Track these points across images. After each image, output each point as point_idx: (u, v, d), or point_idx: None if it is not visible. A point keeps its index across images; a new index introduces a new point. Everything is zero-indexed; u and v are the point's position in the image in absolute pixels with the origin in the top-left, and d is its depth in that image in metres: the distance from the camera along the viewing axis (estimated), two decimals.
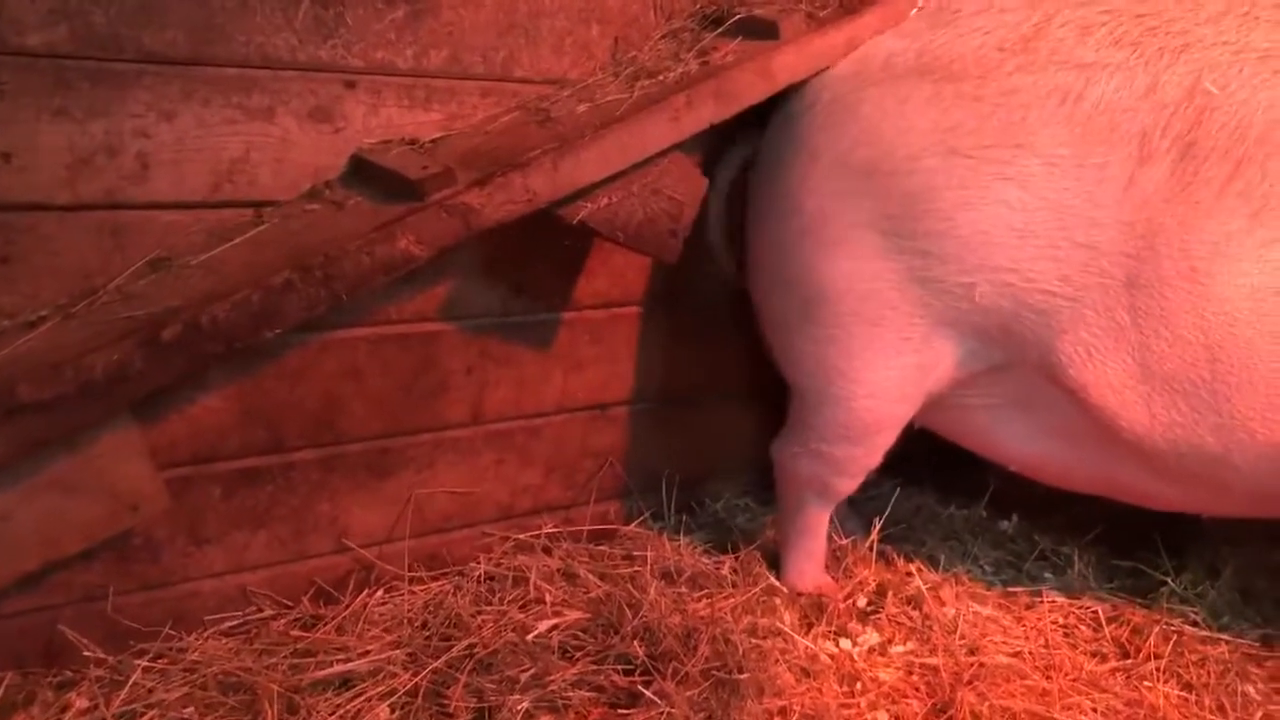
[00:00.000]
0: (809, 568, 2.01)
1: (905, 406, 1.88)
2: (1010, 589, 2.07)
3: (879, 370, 1.85)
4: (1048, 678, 1.82)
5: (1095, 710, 1.74)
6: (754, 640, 1.75)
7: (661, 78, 1.75)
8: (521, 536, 1.98)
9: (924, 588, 2.00)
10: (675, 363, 2.13)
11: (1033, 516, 2.29)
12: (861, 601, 2.01)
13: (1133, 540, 2.15)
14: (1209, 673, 1.86)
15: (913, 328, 1.80)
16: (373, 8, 1.62)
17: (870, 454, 1.95)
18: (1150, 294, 1.66)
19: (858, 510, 2.23)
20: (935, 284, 1.76)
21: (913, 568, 2.08)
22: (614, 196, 1.67)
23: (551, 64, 1.80)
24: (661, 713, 1.54)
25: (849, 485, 1.99)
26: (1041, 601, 2.02)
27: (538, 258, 1.87)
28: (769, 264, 1.92)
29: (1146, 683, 1.81)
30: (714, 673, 1.64)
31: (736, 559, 2.03)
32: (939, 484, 2.37)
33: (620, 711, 1.58)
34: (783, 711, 1.66)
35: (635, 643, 1.69)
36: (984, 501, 2.30)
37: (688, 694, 1.56)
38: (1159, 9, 1.75)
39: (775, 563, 2.04)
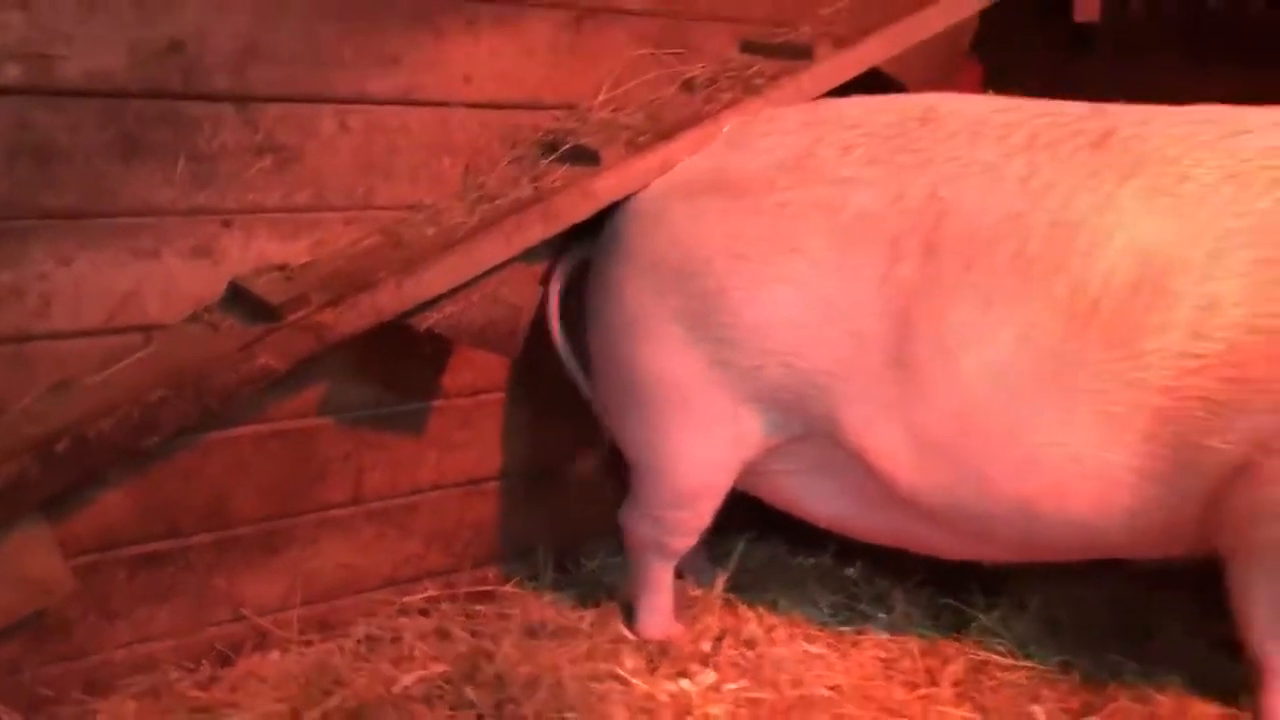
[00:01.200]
0: (656, 618, 2.28)
1: (723, 474, 2.16)
2: (842, 629, 2.33)
3: (695, 445, 2.13)
4: (860, 706, 2.08)
5: None
6: (592, 684, 2.02)
7: (499, 202, 2.05)
8: (404, 600, 2.25)
9: (761, 631, 2.27)
10: (543, 438, 2.42)
11: (876, 562, 2.56)
12: (706, 645, 2.27)
13: (955, 580, 2.42)
14: (1003, 697, 2.13)
15: (721, 406, 2.09)
16: (242, 160, 1.92)
17: (697, 516, 2.22)
18: (911, 372, 1.95)
19: (714, 562, 2.50)
20: (733, 368, 2.05)
21: (754, 613, 2.35)
22: (457, 306, 1.97)
23: (408, 192, 2.11)
24: None
25: (683, 543, 2.26)
26: (867, 639, 2.29)
27: (405, 357, 2.15)
28: (599, 354, 2.21)
29: (945, 707, 2.08)
30: (548, 715, 1.90)
31: (597, 612, 2.30)
32: (790, 535, 2.64)
33: None
34: None
35: (486, 691, 1.96)
36: (830, 550, 2.58)
37: None
38: (905, 131, 2.05)
39: (630, 619, 2.31)
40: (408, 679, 1.99)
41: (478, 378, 2.27)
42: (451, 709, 1.94)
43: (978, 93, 2.92)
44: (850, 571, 2.56)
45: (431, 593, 2.29)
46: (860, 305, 1.96)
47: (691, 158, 2.15)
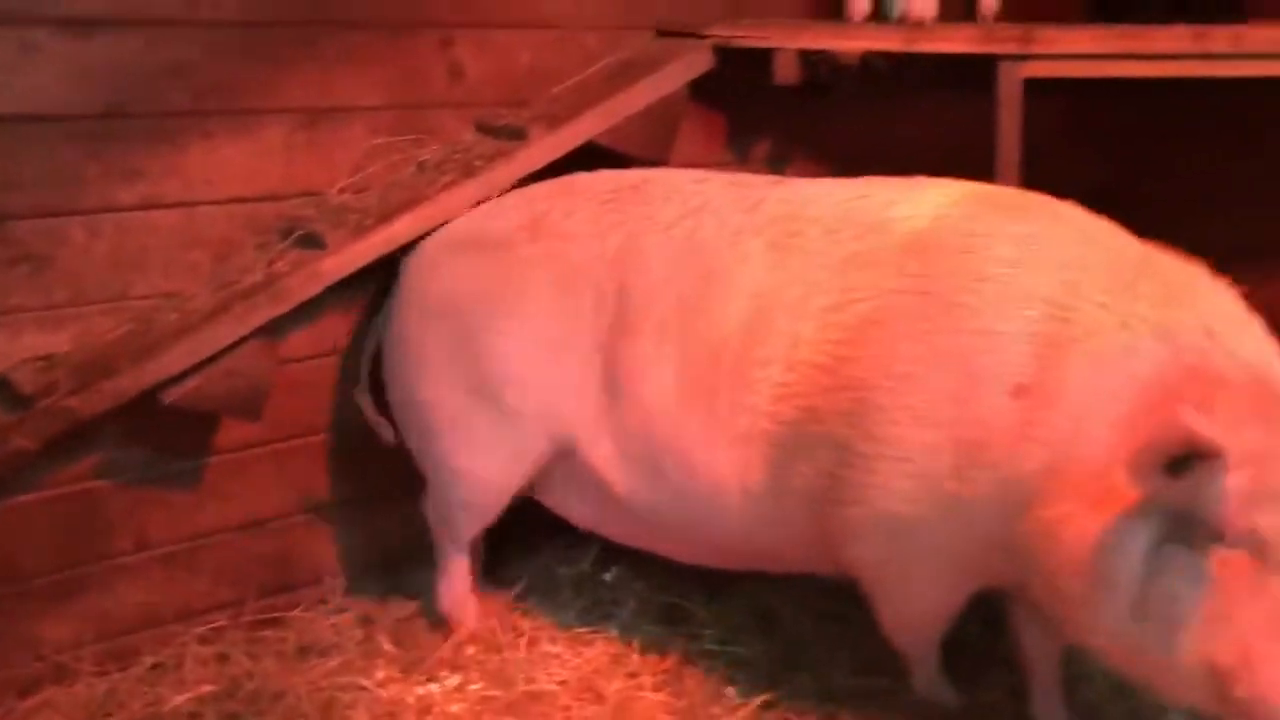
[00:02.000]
0: (451, 596, 2.66)
1: (502, 485, 2.54)
2: (581, 630, 2.67)
3: (473, 463, 2.52)
4: (577, 697, 2.43)
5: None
6: (339, 694, 2.37)
7: (235, 286, 2.40)
8: (195, 631, 2.59)
9: (509, 636, 2.61)
10: (323, 478, 2.76)
11: (631, 567, 2.90)
12: (470, 650, 2.62)
13: (684, 581, 2.77)
14: (703, 681, 2.48)
15: (489, 429, 2.48)
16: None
17: (482, 516, 2.61)
18: (615, 396, 2.34)
19: (488, 571, 2.85)
20: (491, 396, 2.45)
21: (510, 619, 2.70)
22: (197, 381, 2.31)
23: (162, 283, 2.45)
24: None
25: (472, 533, 2.65)
26: (601, 637, 2.64)
27: (173, 422, 2.48)
28: (391, 386, 2.61)
29: (647, 693, 2.43)
30: None
31: (366, 631, 2.65)
32: (562, 543, 2.98)
33: None
34: None
35: (240, 705, 2.31)
36: (590, 559, 2.93)
37: None
38: (618, 197, 2.46)
39: (398, 634, 2.65)
40: (179, 699, 2.34)
41: (248, 431, 2.61)
42: None
43: (720, 143, 3.30)
44: (606, 577, 2.90)
45: (220, 623, 2.63)
46: (578, 341, 2.37)
47: (460, 219, 2.56)
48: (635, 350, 2.33)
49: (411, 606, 2.76)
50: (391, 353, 2.58)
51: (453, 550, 2.68)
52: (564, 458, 2.49)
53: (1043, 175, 3.79)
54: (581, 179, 2.57)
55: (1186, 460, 1.68)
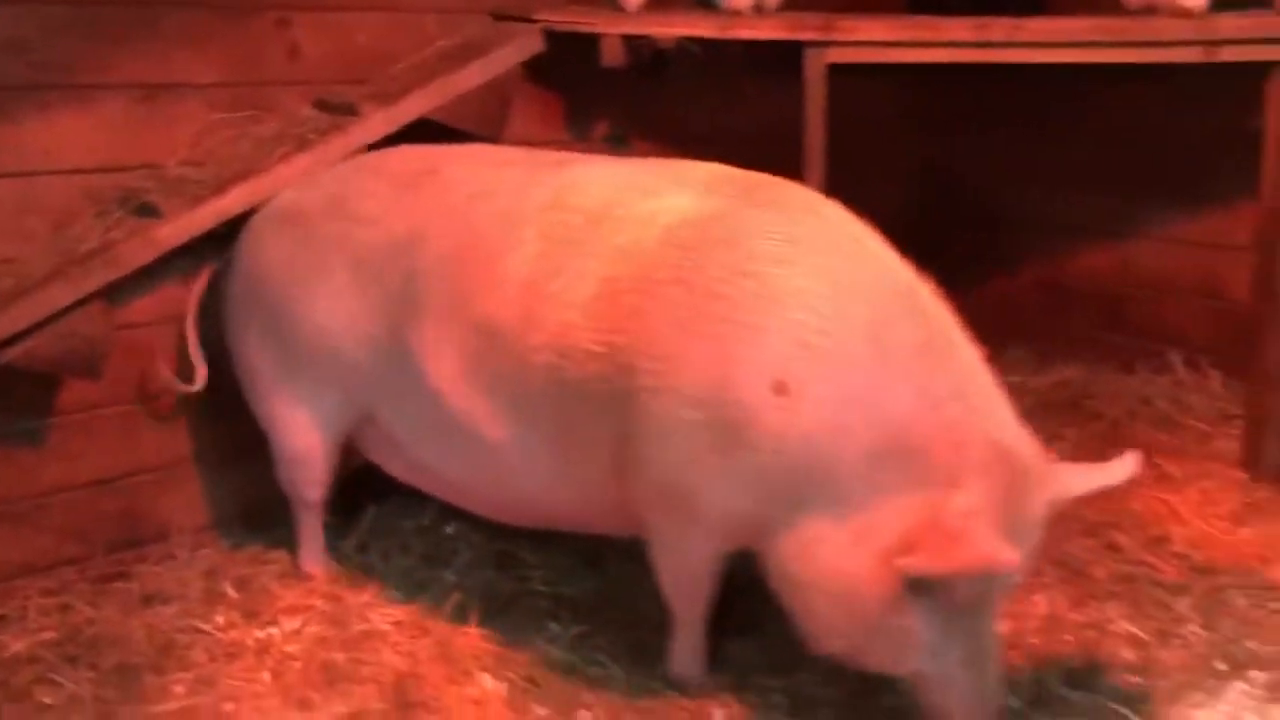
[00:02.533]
0: (306, 553, 2.83)
1: (321, 443, 2.69)
2: (420, 575, 2.84)
3: (291, 421, 2.69)
4: (410, 634, 2.59)
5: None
6: (177, 635, 2.52)
7: (72, 252, 2.52)
8: (42, 585, 2.69)
9: (350, 585, 2.77)
10: (169, 439, 2.88)
11: (474, 521, 3.08)
12: (313, 598, 2.77)
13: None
14: (525, 617, 2.66)
15: (305, 387, 2.63)
16: None
17: (313, 475, 2.75)
18: (408, 375, 2.48)
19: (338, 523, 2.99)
20: (301, 362, 2.60)
21: (355, 570, 2.86)
22: (33, 343, 2.43)
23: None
24: (70, 693, 2.30)
25: (312, 494, 2.80)
26: (438, 583, 2.80)
27: (16, 383, 2.59)
28: (229, 347, 2.76)
29: (470, 627, 2.59)
30: (126, 662, 2.39)
31: (210, 580, 2.78)
32: (413, 499, 3.13)
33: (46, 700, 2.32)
34: (194, 681, 2.41)
35: (78, 649, 2.43)
36: (432, 512, 3.09)
37: (89, 676, 2.32)
38: (415, 181, 2.58)
39: (243, 584, 2.79)
40: (19, 645, 2.46)
41: (91, 391, 2.72)
42: (52, 668, 2.40)
43: (558, 123, 3.49)
44: (448, 529, 3.07)
45: (67, 577, 2.74)
46: (371, 319, 2.51)
47: (288, 189, 2.68)
48: (423, 332, 2.44)
49: (260, 559, 2.91)
50: (223, 318, 2.76)
51: (302, 510, 2.84)
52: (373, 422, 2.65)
53: (873, 155, 4.13)
54: (392, 158, 2.70)
55: None
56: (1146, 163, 4.10)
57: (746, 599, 2.60)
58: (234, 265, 2.70)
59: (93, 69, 2.62)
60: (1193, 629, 2.61)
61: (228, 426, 2.89)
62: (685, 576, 2.35)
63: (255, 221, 2.69)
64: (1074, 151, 4.29)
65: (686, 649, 2.43)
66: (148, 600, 2.68)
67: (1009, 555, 1.86)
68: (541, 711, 2.32)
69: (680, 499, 2.19)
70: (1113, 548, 2.99)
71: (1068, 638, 2.60)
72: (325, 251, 2.56)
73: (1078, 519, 3.13)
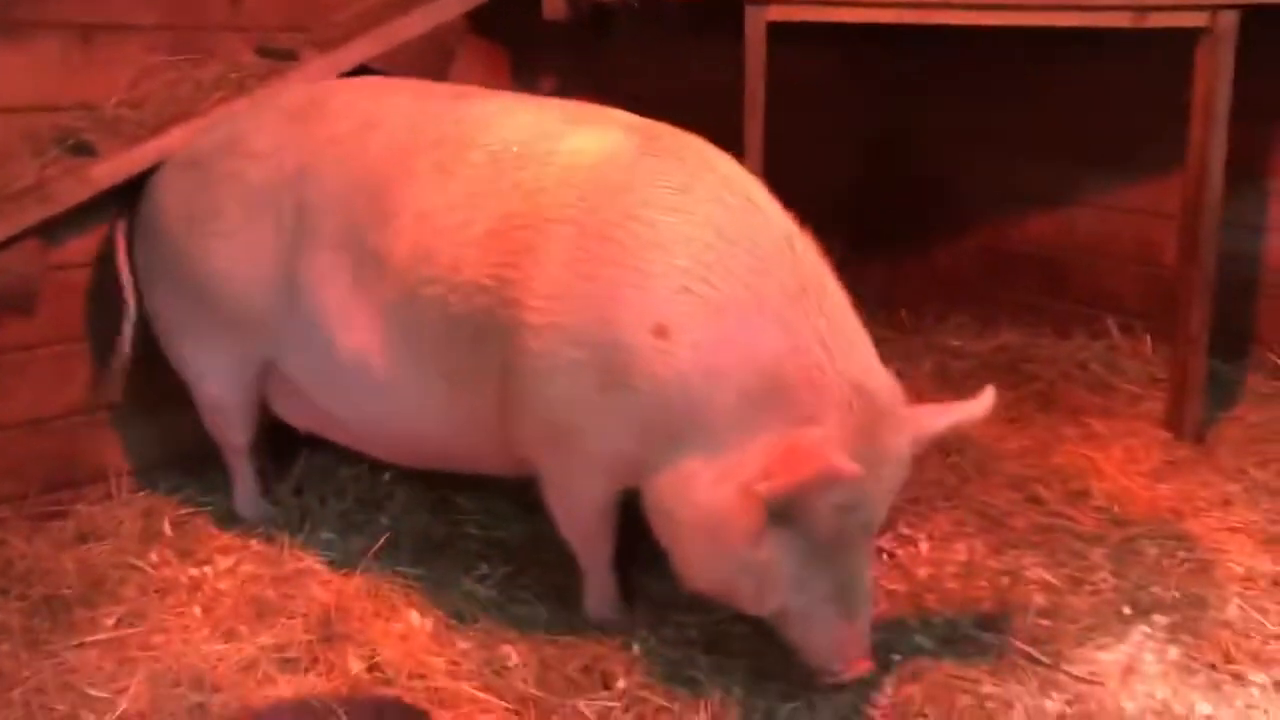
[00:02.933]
0: (239, 499, 2.88)
1: (235, 389, 2.72)
2: (358, 518, 2.88)
3: (205, 367, 2.72)
4: (340, 571, 2.64)
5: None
6: (111, 570, 2.55)
7: (5, 190, 2.53)
8: None
9: (287, 527, 2.81)
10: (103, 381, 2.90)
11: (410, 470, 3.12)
12: (249, 539, 2.80)
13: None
14: (455, 556, 2.72)
15: (212, 337, 2.65)
16: None
17: (232, 420, 2.79)
18: (300, 312, 2.51)
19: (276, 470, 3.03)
20: (206, 308, 2.61)
21: (292, 512, 2.89)
22: None
23: None
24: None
25: (236, 439, 2.83)
26: (374, 525, 2.84)
27: None
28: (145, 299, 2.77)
29: (403, 567, 2.64)
30: (55, 594, 2.43)
31: (147, 521, 2.81)
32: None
33: None
34: (125, 614, 2.45)
35: (12, 581, 2.47)
36: (367, 460, 3.12)
37: (19, 606, 2.36)
38: (303, 114, 2.57)
39: (181, 526, 2.82)
40: None
41: (27, 332, 2.74)
42: None
43: (503, 77, 3.50)
44: (385, 476, 3.11)
45: (5, 514, 2.76)
46: (265, 257, 2.51)
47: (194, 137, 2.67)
48: (314, 269, 2.46)
49: (197, 501, 2.94)
50: (137, 266, 2.74)
51: (230, 455, 2.88)
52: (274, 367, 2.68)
53: (818, 123, 4.18)
54: (285, 93, 2.69)
55: None
56: (1088, 130, 4.18)
57: None
58: (142, 214, 2.69)
59: (28, 5, 2.62)
60: (1103, 576, 2.70)
61: (164, 369, 2.92)
62: (578, 517, 2.41)
63: (162, 169, 2.67)
64: (1019, 119, 4.36)
65: (596, 591, 2.50)
66: (83, 538, 2.71)
67: (850, 468, 1.94)
68: (465, 645, 2.38)
69: (565, 438, 2.25)
70: (1035, 500, 3.08)
71: (983, 584, 2.68)
72: (218, 193, 2.56)
73: (1002, 473, 3.24)
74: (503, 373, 2.27)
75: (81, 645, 2.32)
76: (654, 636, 2.40)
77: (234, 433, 2.82)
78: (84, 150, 2.61)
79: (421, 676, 2.24)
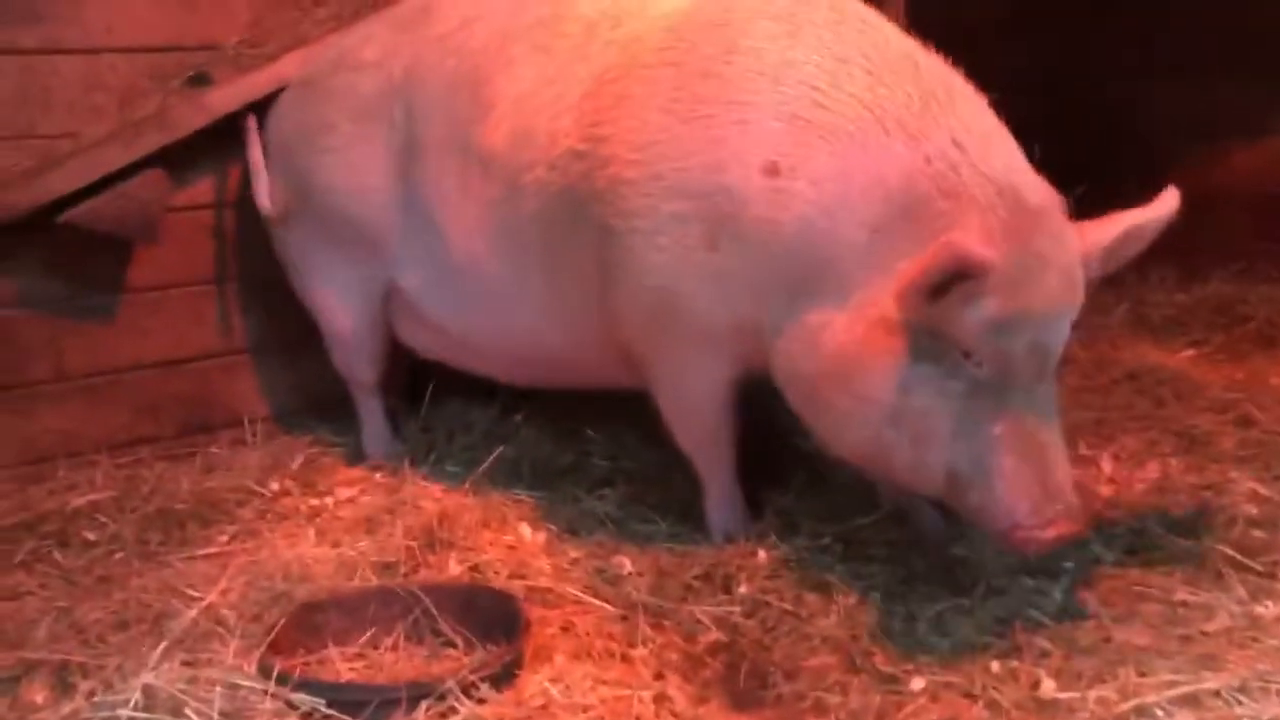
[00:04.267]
0: (369, 439, 2.79)
1: (362, 316, 2.65)
2: (477, 454, 2.74)
3: (330, 295, 2.67)
4: (456, 507, 2.48)
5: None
6: (230, 495, 2.51)
7: (133, 119, 2.57)
8: (115, 461, 2.73)
9: (408, 464, 2.70)
10: (237, 325, 2.90)
11: (540, 406, 2.97)
12: (374, 474, 2.70)
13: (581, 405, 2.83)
14: (575, 483, 2.54)
15: (334, 259, 2.60)
16: None
17: (360, 354, 2.71)
18: (414, 221, 2.43)
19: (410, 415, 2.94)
20: (330, 228, 2.56)
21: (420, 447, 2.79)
22: (92, 203, 2.48)
23: (66, 123, 2.62)
24: (113, 531, 2.33)
25: (365, 375, 2.76)
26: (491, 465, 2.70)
27: (90, 256, 2.65)
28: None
29: (524, 492, 2.50)
30: (172, 513, 2.41)
31: (275, 460, 2.76)
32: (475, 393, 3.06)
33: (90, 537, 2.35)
34: (238, 532, 2.39)
35: (137, 502, 2.45)
36: (500, 403, 3.01)
37: (133, 519, 2.36)
38: (409, 20, 2.54)
39: (310, 463, 2.77)
40: (80, 501, 2.49)
41: (161, 272, 2.77)
42: (106, 517, 2.42)
43: None
44: (518, 417, 2.98)
45: (139, 455, 2.77)
46: (379, 168, 2.46)
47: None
48: (424, 171, 2.39)
49: (328, 442, 2.88)
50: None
51: (358, 391, 2.82)
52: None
53: (976, 66, 3.87)
54: (398, 9, 2.63)
55: (948, 283, 1.71)
56: None
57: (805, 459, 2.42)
58: (267, 129, 2.67)
59: None
60: None
61: (298, 313, 2.90)
62: (693, 414, 2.20)
63: (281, 95, 2.66)
64: (1205, 43, 3.92)
65: (719, 501, 2.27)
66: (210, 471, 2.68)
67: (984, 251, 1.67)
68: (576, 554, 2.20)
69: (672, 314, 2.05)
70: (1246, 421, 2.66)
71: (1180, 498, 2.30)
72: (330, 107, 2.53)
73: (1205, 397, 2.82)
74: (601, 248, 2.11)
75: (192, 558, 2.27)
76: (784, 544, 2.15)
77: (362, 367, 2.76)
78: (203, 82, 2.63)
79: (523, 578, 2.07)
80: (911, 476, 1.88)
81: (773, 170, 1.89)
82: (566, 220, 2.16)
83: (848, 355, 1.83)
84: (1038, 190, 1.84)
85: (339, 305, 2.66)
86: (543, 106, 2.19)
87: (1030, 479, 1.77)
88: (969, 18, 3.25)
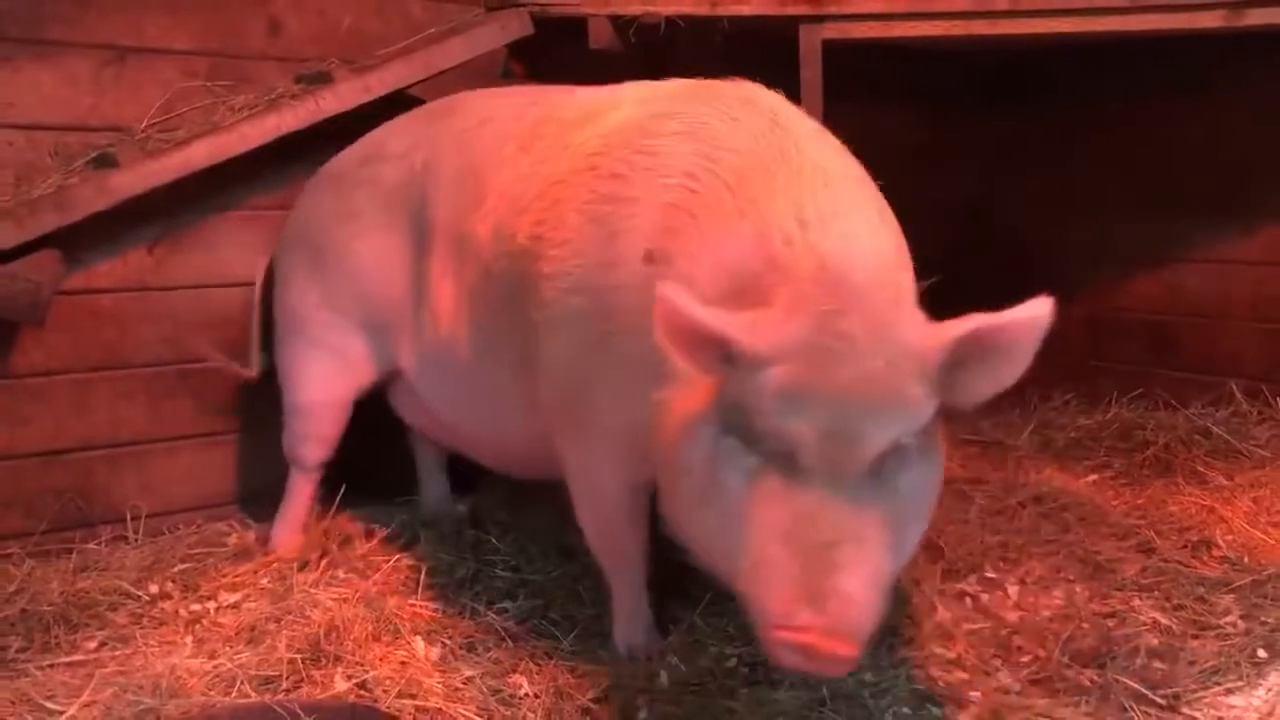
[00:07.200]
0: (280, 529, 2.71)
1: (336, 392, 2.66)
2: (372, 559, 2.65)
3: (310, 366, 2.67)
4: (348, 604, 2.36)
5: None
6: (102, 596, 2.35)
7: (30, 198, 2.47)
8: None
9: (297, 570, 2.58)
10: (125, 416, 2.77)
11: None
12: (263, 577, 2.57)
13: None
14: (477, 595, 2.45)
15: (330, 336, 2.63)
16: None
17: (322, 429, 2.69)
18: (420, 308, 2.49)
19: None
20: (337, 307, 2.61)
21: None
22: None
23: None
24: None
25: (311, 453, 2.70)
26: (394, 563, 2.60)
27: None
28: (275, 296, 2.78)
29: (420, 602, 2.40)
30: (35, 612, 2.24)
31: (158, 561, 2.61)
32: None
33: None
34: (108, 638, 2.24)
35: (2, 603, 2.29)
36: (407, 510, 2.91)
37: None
38: (432, 118, 2.64)
39: (193, 562, 2.63)
40: None
41: (49, 358, 2.64)
42: None
43: None
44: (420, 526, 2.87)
45: (10, 550, 2.60)
46: (396, 256, 2.52)
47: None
48: (430, 256, 2.46)
49: (217, 541, 2.75)
50: (274, 271, 2.78)
51: (297, 477, 2.74)
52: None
53: (903, 192, 3.93)
54: (433, 102, 2.74)
55: (705, 345, 1.61)
56: (1190, 183, 3.87)
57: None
58: (284, 230, 2.77)
59: (61, 25, 2.62)
60: (1232, 620, 2.29)
61: (189, 405, 2.79)
62: (600, 511, 2.16)
63: (311, 181, 2.77)
64: (1112, 177, 4.08)
65: (624, 609, 2.21)
66: (84, 569, 2.52)
67: (689, 307, 1.57)
68: (471, 673, 2.09)
69: (576, 407, 2.06)
70: (1147, 549, 2.68)
71: (1084, 626, 2.28)
72: (358, 196, 2.60)
73: (1108, 524, 2.84)
74: (527, 340, 2.13)
75: (54, 666, 2.11)
76: (686, 665, 2.07)
77: (312, 446, 2.71)
78: (107, 163, 2.55)
79: (412, 697, 1.95)
80: (724, 564, 1.68)
81: (649, 259, 1.88)
82: (517, 310, 2.18)
83: (674, 428, 1.74)
84: (868, 268, 1.69)
85: (318, 378, 2.67)
86: (513, 202, 2.23)
87: (793, 575, 1.53)
88: (889, 140, 3.31)
